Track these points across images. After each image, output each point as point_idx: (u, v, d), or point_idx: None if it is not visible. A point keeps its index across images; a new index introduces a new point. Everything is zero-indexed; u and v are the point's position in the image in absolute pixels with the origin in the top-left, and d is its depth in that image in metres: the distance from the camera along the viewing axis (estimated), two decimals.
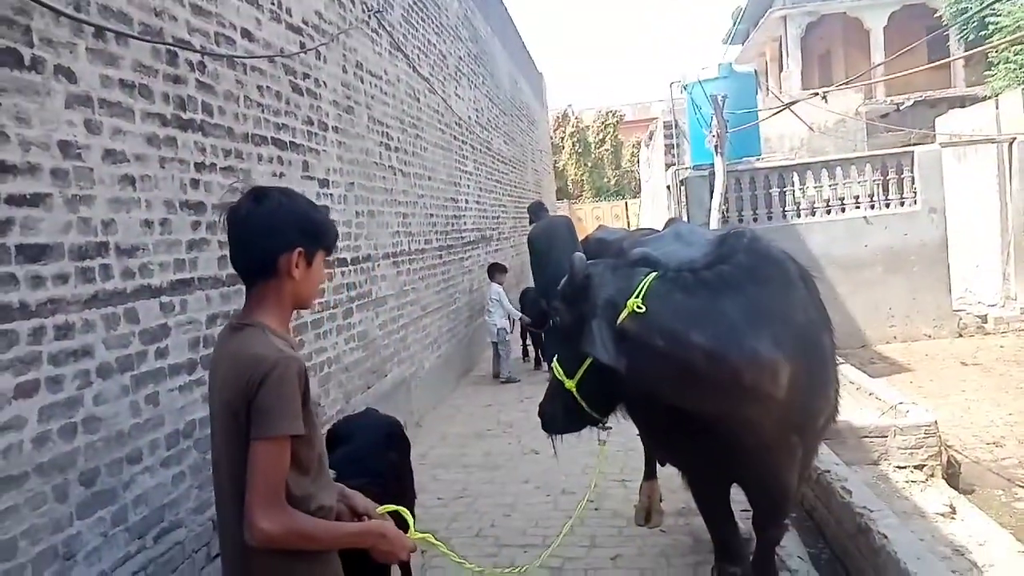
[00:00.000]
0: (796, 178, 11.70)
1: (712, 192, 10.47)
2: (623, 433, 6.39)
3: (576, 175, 36.34)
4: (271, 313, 1.92)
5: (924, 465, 5.12)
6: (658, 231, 11.79)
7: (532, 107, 20.11)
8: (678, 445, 3.16)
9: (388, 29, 7.25)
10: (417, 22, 8.49)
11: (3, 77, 2.56)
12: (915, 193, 11.67)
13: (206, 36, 3.93)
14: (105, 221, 3.02)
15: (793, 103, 9.82)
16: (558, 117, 35.67)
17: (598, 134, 36.80)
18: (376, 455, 2.96)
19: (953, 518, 4.43)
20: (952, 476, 5.41)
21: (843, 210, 11.84)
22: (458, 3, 11.08)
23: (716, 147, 9.67)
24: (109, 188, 3.06)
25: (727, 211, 10.69)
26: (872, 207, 11.83)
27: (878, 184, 11.84)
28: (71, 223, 2.84)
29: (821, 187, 11.68)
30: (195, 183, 3.71)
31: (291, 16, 5.02)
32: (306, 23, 5.29)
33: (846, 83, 11.41)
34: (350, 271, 5.86)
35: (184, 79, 3.69)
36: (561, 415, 2.83)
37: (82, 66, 2.94)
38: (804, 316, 2.78)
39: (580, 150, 36.51)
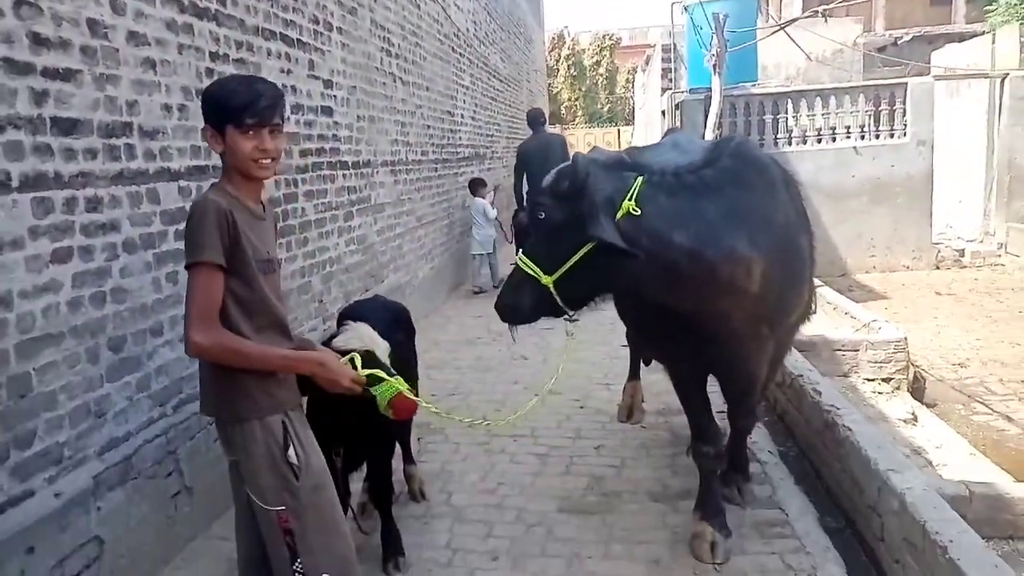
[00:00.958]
0: (790, 105, 11.75)
1: (707, 115, 10.53)
2: (608, 343, 6.72)
3: (570, 99, 35.93)
4: (225, 179, 2.16)
5: (891, 379, 5.44)
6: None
7: (529, 25, 19.76)
8: (659, 336, 3.38)
9: None
10: None
11: None
12: (905, 125, 11.77)
13: None
14: (129, 102, 3.13)
15: (791, 22, 9.80)
16: (554, 38, 35.02)
17: (593, 57, 36.23)
18: (384, 334, 3.15)
19: (915, 424, 4.76)
20: (917, 390, 5.74)
21: (834, 139, 11.95)
22: None
23: (715, 66, 9.69)
24: (133, 69, 3.16)
25: (721, 134, 10.78)
26: (862, 137, 11.95)
27: (869, 115, 11.92)
28: (99, 101, 2.95)
29: (814, 116, 11.76)
30: (210, 72, 3.79)
31: None
32: None
33: (845, 3, 11.30)
34: (351, 175, 5.97)
35: None
36: (528, 308, 2.93)
37: None
38: (783, 217, 2.96)
39: (575, 74, 35.98)
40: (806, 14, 10.59)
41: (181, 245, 3.50)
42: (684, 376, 3.39)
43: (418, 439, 4.62)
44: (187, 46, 3.60)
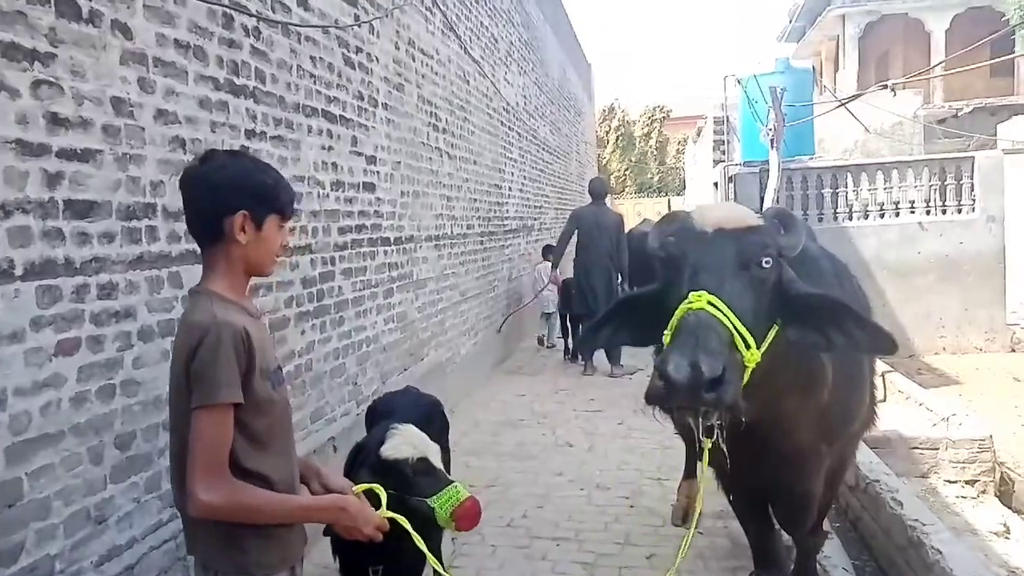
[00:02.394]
0: (850, 179, 11.37)
1: (763, 189, 10.22)
2: (661, 432, 6.30)
3: (619, 170, 36.02)
4: (221, 279, 1.86)
5: (976, 480, 4.91)
6: None
7: (579, 98, 19.90)
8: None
9: (442, 8, 7.15)
10: (471, 3, 8.38)
11: (60, 29, 2.51)
12: (973, 200, 11.27)
13: (262, 1, 3.87)
14: (154, 182, 2.98)
15: (855, 97, 9.54)
16: (604, 110, 35.37)
17: (644, 129, 36.42)
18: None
19: (1008, 537, 4.23)
20: (1005, 494, 5.18)
21: (897, 214, 11.48)
22: None
23: (772, 141, 9.42)
24: (159, 149, 3.01)
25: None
26: (928, 212, 11.46)
27: (935, 189, 11.46)
28: (120, 181, 2.79)
29: (876, 190, 11.34)
30: (245, 150, 3.66)
31: None
32: None
33: (906, 78, 10.99)
34: (393, 251, 5.79)
35: (239, 44, 3.64)
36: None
37: (138, 22, 2.88)
38: None
39: (624, 144, 36.16)
40: (871, 88, 10.30)
41: None
42: (737, 489, 3.02)
43: (452, 539, 4.27)
44: (221, 124, 3.47)
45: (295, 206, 1.97)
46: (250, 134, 3.74)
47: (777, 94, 9.27)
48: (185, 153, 3.18)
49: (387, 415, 3.07)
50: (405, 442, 2.40)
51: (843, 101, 9.36)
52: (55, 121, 2.50)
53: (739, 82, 11.65)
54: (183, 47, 3.19)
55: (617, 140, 35.95)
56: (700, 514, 4.50)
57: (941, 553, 3.12)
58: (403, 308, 6.02)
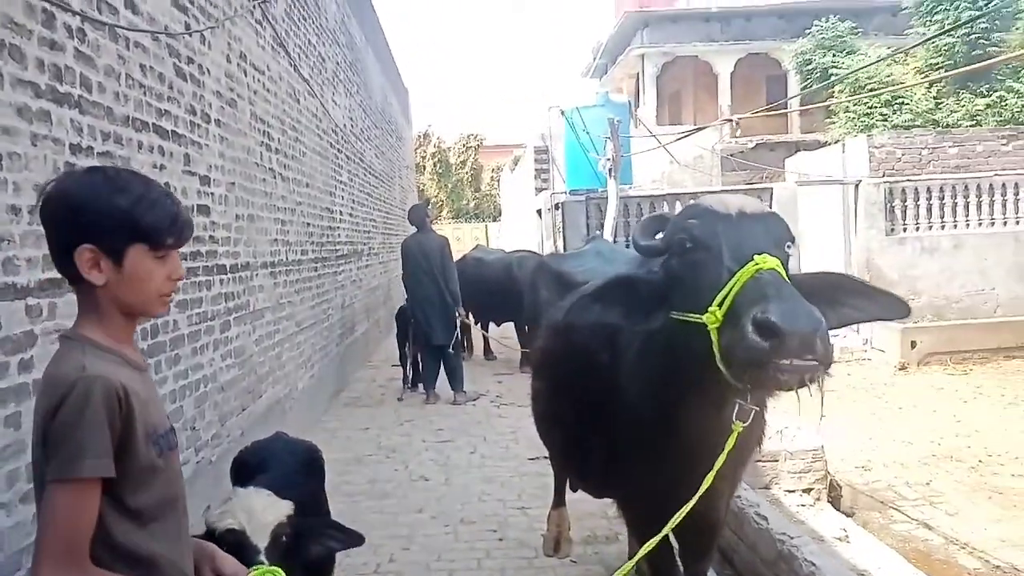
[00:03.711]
0: (666, 207, 12.03)
1: (589, 216, 10.59)
2: (515, 459, 6.24)
3: (436, 196, 36.21)
4: (92, 324, 1.55)
5: (812, 489, 5.28)
6: (532, 252, 11.71)
7: (399, 123, 19.75)
8: (643, 460, 2.85)
9: (272, 22, 6.76)
10: (299, 20, 8.02)
11: None
12: None
13: (87, 0, 3.40)
14: None
15: (699, 129, 10.14)
16: (419, 137, 35.47)
17: (459, 156, 36.93)
18: (298, 486, 2.58)
19: (848, 542, 4.57)
20: (834, 499, 5.62)
21: None
22: (336, 6, 10.64)
23: (610, 171, 9.79)
24: None
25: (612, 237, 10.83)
26: None
27: None
28: None
29: None
30: (70, 167, 3.15)
31: None
32: (192, 2, 4.78)
33: (752, 113, 11.90)
34: (229, 279, 5.31)
35: (62, 46, 3.16)
36: None
37: None
38: None
39: (441, 171, 36.45)
40: (716, 122, 11.00)
41: (27, 378, 2.79)
42: (650, 513, 2.93)
43: None
44: (43, 136, 2.97)
45: (174, 227, 1.57)
46: (75, 149, 3.24)
47: (615, 125, 9.67)
48: (2, 171, 2.68)
49: (260, 467, 2.73)
50: (239, 508, 2.15)
51: (686, 133, 9.95)
52: None
53: (562, 113, 12.05)
54: None
55: (434, 166, 36.16)
56: (571, 543, 4.48)
57: (815, 566, 3.26)
58: (241, 342, 5.52)
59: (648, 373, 2.49)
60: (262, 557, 1.98)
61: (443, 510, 5.14)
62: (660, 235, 2.32)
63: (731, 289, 1.89)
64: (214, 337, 4.97)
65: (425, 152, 36.14)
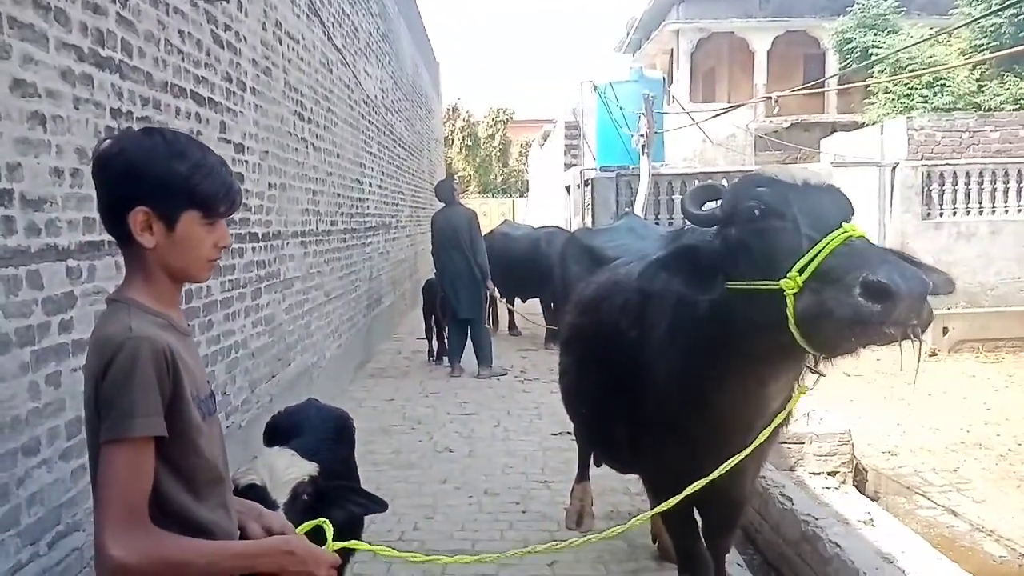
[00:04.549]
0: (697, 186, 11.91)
1: (619, 193, 10.52)
2: (538, 431, 6.28)
3: (464, 170, 36.14)
4: (141, 285, 1.55)
5: (837, 472, 5.26)
6: (560, 228, 11.64)
7: (429, 95, 19.69)
8: (676, 438, 2.83)
9: None
10: None
11: None
12: None
13: None
14: (10, 164, 2.51)
15: (737, 107, 10.00)
16: (449, 110, 35.33)
17: (488, 130, 36.76)
18: (328, 451, 2.61)
19: (873, 525, 4.55)
20: (860, 483, 5.60)
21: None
22: None
23: (643, 147, 9.69)
24: (17, 125, 2.55)
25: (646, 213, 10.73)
26: None
27: None
28: None
29: None
30: (110, 131, 3.19)
31: None
32: None
33: (783, 93, 11.65)
34: (260, 248, 5.36)
35: (104, 10, 3.18)
36: None
37: None
38: None
39: (469, 145, 36.33)
40: (754, 99, 10.83)
41: (66, 339, 2.85)
42: (677, 490, 2.93)
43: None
44: (85, 100, 3.01)
45: (227, 197, 1.58)
46: (116, 113, 3.27)
47: (650, 101, 9.56)
48: (45, 132, 2.72)
49: (293, 432, 2.77)
50: (263, 465, 2.19)
51: (723, 111, 9.81)
52: None
53: (595, 88, 11.92)
54: (42, 7, 2.72)
55: (463, 140, 36.05)
56: (593, 517, 4.52)
57: (839, 547, 3.26)
58: (271, 310, 5.59)
59: (683, 348, 2.49)
60: (280, 512, 2.02)
61: (467, 481, 5.19)
62: (710, 205, 2.31)
63: (815, 255, 1.89)
64: (245, 304, 5.03)
65: (454, 126, 36.01)
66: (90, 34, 3.06)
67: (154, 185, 1.50)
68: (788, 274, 1.92)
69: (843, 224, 1.95)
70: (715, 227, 2.31)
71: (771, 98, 9.78)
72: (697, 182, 12.06)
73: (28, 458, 2.59)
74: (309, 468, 2.23)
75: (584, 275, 3.92)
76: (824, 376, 2.07)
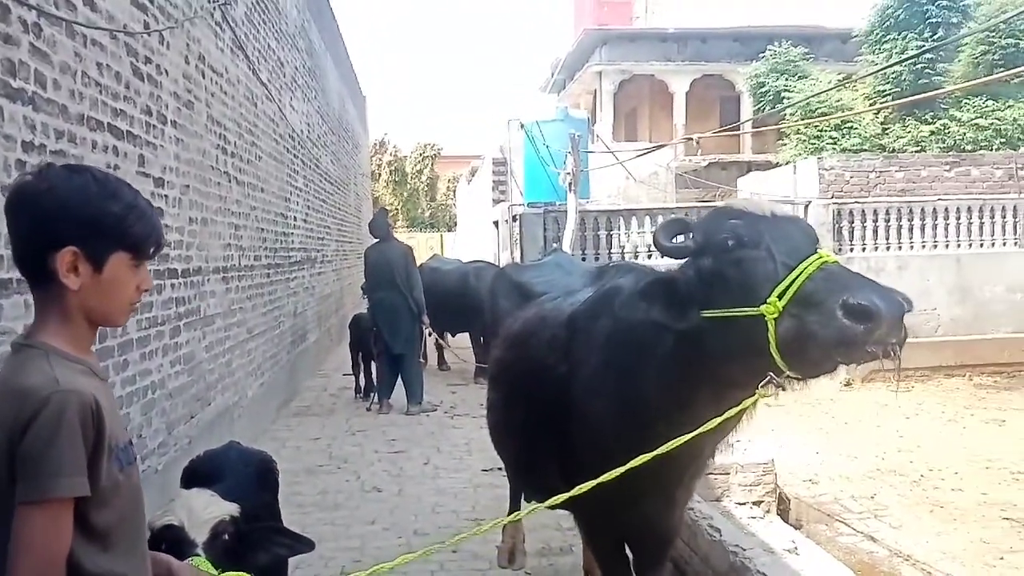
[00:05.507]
0: (622, 222, 12.15)
1: (546, 229, 10.66)
2: (468, 471, 6.22)
3: (392, 204, 36.04)
4: (56, 331, 1.46)
5: (762, 501, 5.37)
6: (489, 263, 11.70)
7: (356, 130, 19.63)
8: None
9: (232, 25, 6.67)
10: (259, 23, 7.93)
11: None
12: None
13: None
14: None
15: (660, 146, 10.29)
16: (375, 144, 35.30)
17: (416, 165, 36.82)
18: (251, 496, 2.52)
19: (797, 554, 4.65)
20: (783, 512, 5.72)
21: (661, 256, 12.46)
22: (296, 11, 10.56)
23: (570, 184, 9.87)
24: None
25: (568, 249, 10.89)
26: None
27: None
28: None
29: (644, 232, 12.26)
30: (21, 165, 3.07)
31: None
32: (152, 1, 4.70)
33: (712, 133, 12.08)
34: (180, 284, 5.20)
35: (16, 40, 3.07)
36: None
37: None
38: None
39: (397, 179, 36.30)
40: (674, 140, 11.15)
41: None
42: (607, 524, 2.94)
43: None
44: None
45: (157, 239, 1.54)
46: (28, 147, 3.15)
47: (575, 140, 9.75)
48: None
49: (213, 477, 2.66)
50: (180, 506, 2.12)
51: (647, 150, 10.07)
52: None
53: (522, 127, 12.12)
54: None
55: (391, 175, 35.99)
56: (525, 555, 4.48)
57: None
58: (190, 348, 5.40)
59: (624, 381, 2.51)
60: (199, 551, 1.94)
61: (396, 522, 5.09)
62: (680, 238, 2.36)
63: (794, 280, 1.96)
64: (163, 342, 4.85)
65: (381, 160, 35.95)
66: (0, 64, 2.94)
67: (86, 225, 1.44)
68: (768, 300, 1.97)
69: (817, 250, 2.04)
70: (686, 258, 2.36)
71: (693, 139, 10.13)
72: (621, 218, 12.37)
73: None
74: (229, 508, 2.16)
75: (513, 310, 3.93)
76: (784, 391, 2.12)
